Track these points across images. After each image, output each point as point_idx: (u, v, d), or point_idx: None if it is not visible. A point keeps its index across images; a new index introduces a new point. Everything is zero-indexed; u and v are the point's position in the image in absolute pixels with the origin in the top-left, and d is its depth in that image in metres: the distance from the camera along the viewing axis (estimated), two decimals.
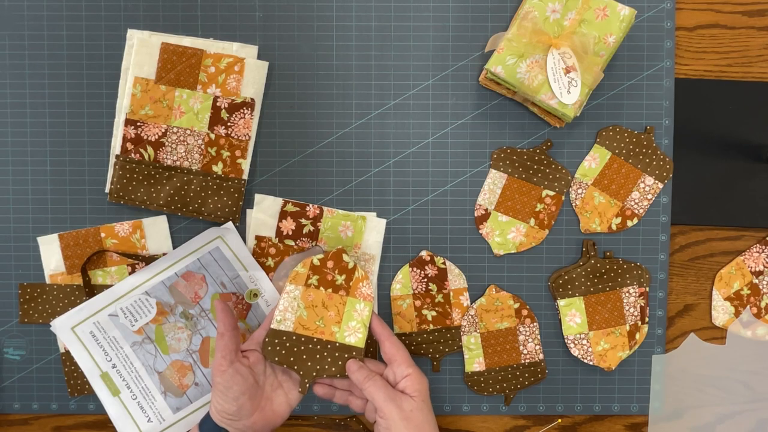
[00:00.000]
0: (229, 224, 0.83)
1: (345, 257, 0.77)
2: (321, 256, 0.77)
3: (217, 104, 0.82)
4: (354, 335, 0.75)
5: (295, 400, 0.75)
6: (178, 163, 0.82)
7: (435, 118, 0.84)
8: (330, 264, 0.77)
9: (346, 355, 0.74)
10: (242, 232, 0.84)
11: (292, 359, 0.74)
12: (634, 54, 0.84)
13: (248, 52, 0.83)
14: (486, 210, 0.85)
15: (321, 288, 0.76)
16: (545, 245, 0.85)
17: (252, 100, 0.82)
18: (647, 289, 0.85)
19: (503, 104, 0.85)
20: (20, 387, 0.85)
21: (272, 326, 0.75)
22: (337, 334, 0.75)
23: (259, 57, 0.83)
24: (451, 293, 0.85)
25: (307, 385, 0.74)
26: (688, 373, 0.87)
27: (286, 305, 0.75)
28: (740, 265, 0.87)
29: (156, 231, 0.84)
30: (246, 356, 0.74)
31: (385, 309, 0.85)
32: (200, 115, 0.82)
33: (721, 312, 0.87)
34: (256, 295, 0.83)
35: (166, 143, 0.82)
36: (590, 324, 0.84)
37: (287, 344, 0.74)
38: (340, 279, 0.76)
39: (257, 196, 0.84)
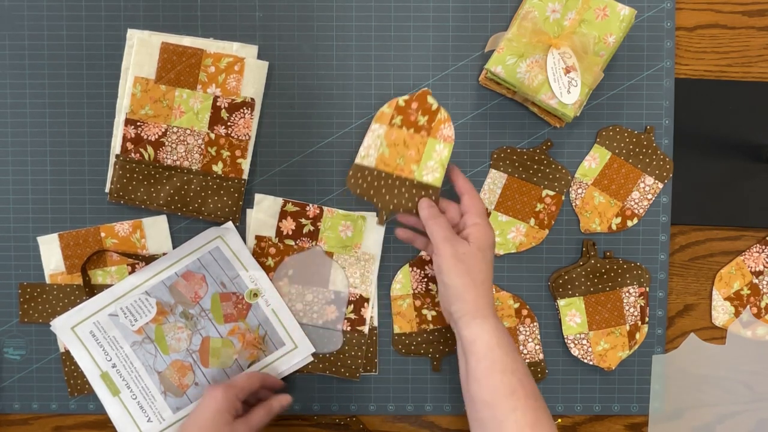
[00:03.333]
0: (229, 224, 0.83)
1: (429, 99, 0.75)
2: (407, 97, 0.76)
3: (217, 104, 0.82)
4: (431, 174, 0.74)
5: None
6: (178, 162, 0.82)
7: None
8: (414, 105, 0.76)
9: (422, 193, 0.74)
10: (242, 232, 0.84)
11: (372, 192, 0.76)
12: (634, 54, 0.84)
13: (248, 52, 0.83)
14: (486, 210, 0.85)
15: (403, 128, 0.75)
16: (545, 245, 0.85)
17: (252, 99, 0.82)
18: (647, 289, 0.85)
19: (503, 104, 0.85)
20: (20, 387, 0.85)
21: (356, 161, 0.76)
22: (416, 172, 0.75)
23: (259, 57, 0.83)
24: None
25: (384, 218, 0.76)
26: (688, 373, 0.87)
27: (369, 142, 0.76)
28: (740, 265, 0.87)
29: (156, 231, 0.84)
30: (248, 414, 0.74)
31: (385, 309, 0.85)
32: (200, 114, 0.82)
33: (721, 312, 0.87)
34: (256, 294, 0.83)
35: (166, 143, 0.82)
36: (590, 324, 0.84)
37: (368, 178, 0.76)
38: (423, 120, 0.75)
39: (257, 196, 0.84)
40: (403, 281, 0.85)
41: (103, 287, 0.83)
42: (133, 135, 0.81)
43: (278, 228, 0.84)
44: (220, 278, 0.83)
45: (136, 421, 0.80)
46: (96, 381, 0.81)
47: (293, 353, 0.83)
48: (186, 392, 0.81)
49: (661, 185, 0.85)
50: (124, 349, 0.81)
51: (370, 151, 0.77)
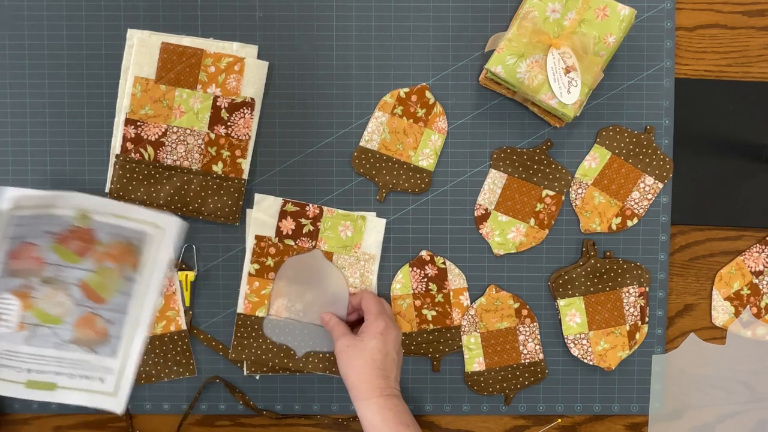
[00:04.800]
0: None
1: (427, 93, 0.84)
2: (407, 89, 0.83)
3: (217, 104, 0.82)
4: (426, 160, 0.84)
5: None
6: (178, 162, 0.82)
7: None
8: (414, 98, 0.83)
9: (417, 176, 0.84)
10: (242, 232, 0.84)
11: (374, 172, 0.84)
12: (634, 54, 0.84)
13: (248, 52, 0.83)
14: (486, 210, 0.85)
15: (404, 117, 0.83)
16: (545, 245, 0.85)
17: (252, 99, 0.82)
18: (647, 289, 0.85)
19: (503, 104, 0.85)
20: None
21: (361, 144, 0.84)
22: (413, 157, 0.84)
23: (259, 57, 0.83)
24: (451, 293, 0.85)
25: (384, 195, 0.83)
26: (688, 373, 0.87)
27: (373, 128, 0.83)
28: (740, 265, 0.87)
29: None
30: None
31: None
32: (200, 114, 0.82)
33: (721, 312, 0.87)
34: (85, 216, 0.76)
35: (166, 143, 0.82)
36: (590, 324, 0.84)
37: (371, 160, 0.84)
38: (421, 112, 0.84)
39: (257, 196, 0.84)
40: (403, 281, 0.85)
41: None
42: (133, 135, 0.81)
43: (278, 228, 0.84)
44: (41, 230, 0.76)
45: (97, 390, 0.78)
46: (26, 392, 0.78)
47: (164, 236, 0.77)
48: (109, 333, 0.78)
49: (661, 185, 0.85)
50: (24, 350, 0.78)
51: (374, 136, 0.83)
